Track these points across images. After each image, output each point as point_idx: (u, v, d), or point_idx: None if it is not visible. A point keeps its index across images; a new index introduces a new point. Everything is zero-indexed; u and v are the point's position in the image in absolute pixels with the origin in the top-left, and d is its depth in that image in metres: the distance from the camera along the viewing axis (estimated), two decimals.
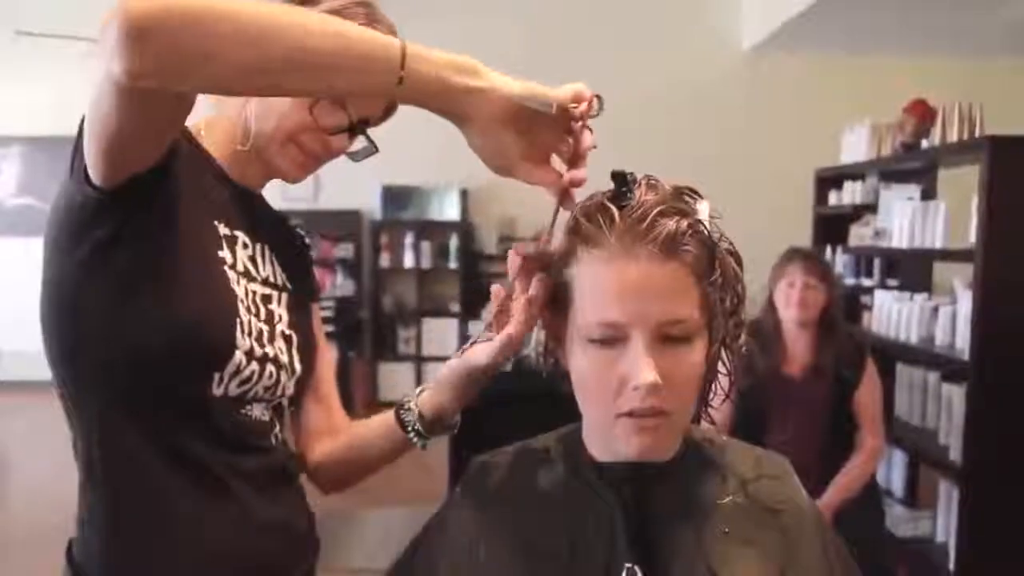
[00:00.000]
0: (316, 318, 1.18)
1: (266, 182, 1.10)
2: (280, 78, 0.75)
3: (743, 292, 0.84)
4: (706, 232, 0.80)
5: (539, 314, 0.87)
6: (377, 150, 1.07)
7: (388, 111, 1.04)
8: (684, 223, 0.78)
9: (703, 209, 0.81)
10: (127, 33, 0.68)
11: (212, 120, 1.05)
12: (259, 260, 1.06)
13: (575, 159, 0.84)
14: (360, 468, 1.16)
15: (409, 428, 1.06)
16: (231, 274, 0.99)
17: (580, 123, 0.83)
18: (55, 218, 0.92)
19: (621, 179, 0.81)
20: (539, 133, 0.83)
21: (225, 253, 1.00)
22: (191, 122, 1.03)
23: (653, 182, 0.82)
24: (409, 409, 1.06)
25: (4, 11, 6.24)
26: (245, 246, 1.04)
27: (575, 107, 0.82)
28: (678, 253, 0.77)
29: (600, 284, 0.79)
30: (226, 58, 0.71)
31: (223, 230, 1.01)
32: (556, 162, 0.86)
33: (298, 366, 1.07)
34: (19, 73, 6.72)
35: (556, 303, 0.85)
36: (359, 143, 1.06)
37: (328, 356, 1.20)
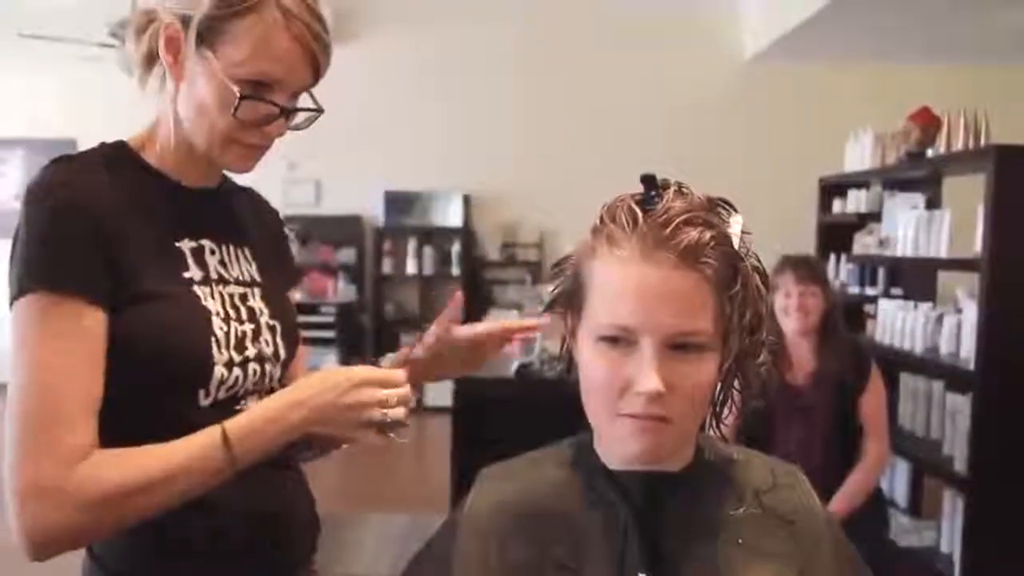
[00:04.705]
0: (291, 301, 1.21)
1: (221, 173, 1.11)
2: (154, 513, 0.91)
3: (766, 310, 0.82)
4: (731, 246, 0.79)
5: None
6: (321, 111, 1.05)
7: (316, 75, 1.01)
8: (707, 234, 0.77)
9: (736, 223, 0.80)
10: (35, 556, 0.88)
11: (154, 129, 1.05)
12: (228, 262, 1.08)
13: None
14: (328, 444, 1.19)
15: None
16: (201, 291, 1.01)
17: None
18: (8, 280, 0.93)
19: (650, 182, 0.80)
20: None
21: (192, 272, 1.02)
22: (136, 134, 1.05)
23: (684, 190, 0.81)
24: None
25: (7, 13, 6.26)
26: (213, 252, 1.06)
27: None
28: (698, 264, 0.76)
29: (615, 286, 0.78)
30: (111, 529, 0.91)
31: (187, 245, 1.03)
32: None
33: (283, 352, 1.10)
34: (22, 75, 6.74)
35: (573, 298, 0.85)
36: (301, 114, 1.04)
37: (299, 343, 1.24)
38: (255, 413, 0.95)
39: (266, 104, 0.97)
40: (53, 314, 0.89)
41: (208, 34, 0.94)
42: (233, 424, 0.93)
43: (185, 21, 0.95)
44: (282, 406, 0.95)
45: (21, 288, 0.89)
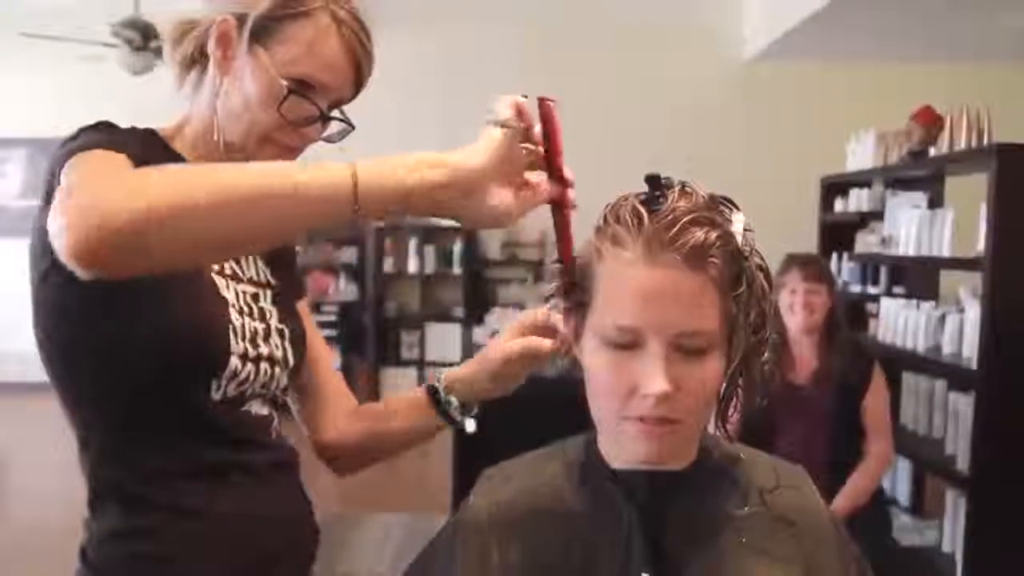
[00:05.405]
0: (305, 312, 1.19)
1: None
2: (242, 249, 0.88)
3: (770, 309, 0.82)
4: (736, 245, 0.79)
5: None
6: (353, 128, 1.07)
7: (358, 89, 1.03)
8: (713, 234, 0.76)
9: (738, 221, 0.80)
10: (81, 262, 0.72)
11: (185, 123, 1.05)
12: (242, 261, 1.08)
13: (553, 159, 0.84)
14: (381, 451, 1.20)
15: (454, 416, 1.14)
16: (220, 280, 1.01)
17: (540, 128, 0.83)
18: (31, 254, 0.94)
19: (654, 182, 0.80)
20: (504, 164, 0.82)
21: None
22: (165, 124, 1.05)
23: (688, 189, 0.80)
24: (449, 401, 1.13)
25: (7, 13, 6.26)
26: None
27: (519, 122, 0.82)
28: (704, 264, 0.76)
29: (621, 287, 0.78)
30: (180, 253, 0.76)
31: None
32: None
33: (291, 358, 1.09)
34: (23, 75, 6.74)
35: (577, 298, 0.84)
36: (334, 126, 1.06)
37: (325, 345, 1.24)
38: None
39: (310, 104, 0.99)
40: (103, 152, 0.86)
41: (261, 33, 0.96)
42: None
43: (241, 19, 0.97)
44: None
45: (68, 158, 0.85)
